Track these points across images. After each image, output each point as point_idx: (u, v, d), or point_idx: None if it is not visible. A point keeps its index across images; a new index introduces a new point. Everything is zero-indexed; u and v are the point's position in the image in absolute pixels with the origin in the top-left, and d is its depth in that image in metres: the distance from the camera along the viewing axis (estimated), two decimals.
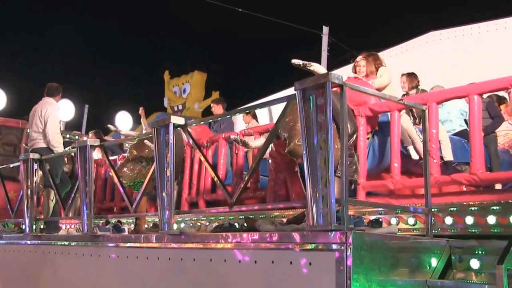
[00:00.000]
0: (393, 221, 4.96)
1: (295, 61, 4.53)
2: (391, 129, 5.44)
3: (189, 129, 5.26)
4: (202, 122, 6.69)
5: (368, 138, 5.68)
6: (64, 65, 32.80)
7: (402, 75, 7.73)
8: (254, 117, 10.04)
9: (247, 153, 7.34)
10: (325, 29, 17.23)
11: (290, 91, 4.05)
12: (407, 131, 5.93)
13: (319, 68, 4.73)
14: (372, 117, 5.67)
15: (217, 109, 9.97)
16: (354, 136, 5.16)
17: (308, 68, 4.60)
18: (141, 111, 10.22)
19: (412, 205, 4.86)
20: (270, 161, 6.32)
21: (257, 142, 5.70)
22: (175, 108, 25.16)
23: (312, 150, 3.80)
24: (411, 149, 5.90)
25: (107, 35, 37.02)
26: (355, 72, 6.35)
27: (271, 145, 5.71)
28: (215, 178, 5.24)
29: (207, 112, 23.78)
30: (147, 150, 6.50)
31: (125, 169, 6.71)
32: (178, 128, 5.23)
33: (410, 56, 12.56)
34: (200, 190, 7.32)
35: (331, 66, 15.03)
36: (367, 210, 5.15)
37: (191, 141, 5.29)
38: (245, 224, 5.29)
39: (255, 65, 34.00)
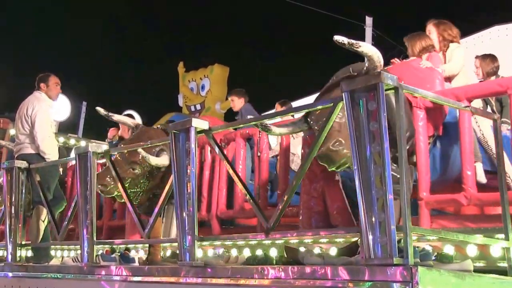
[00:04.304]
0: (447, 249, 4.98)
1: (338, 38, 4.25)
2: (461, 128, 5.32)
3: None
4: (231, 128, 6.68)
5: (428, 143, 5.55)
6: (57, 54, 33.13)
7: (476, 57, 7.61)
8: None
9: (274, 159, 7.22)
10: (369, 20, 17.53)
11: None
12: (481, 132, 5.77)
13: (369, 49, 4.53)
14: (434, 111, 5.56)
15: (238, 103, 9.96)
16: (411, 141, 5.11)
17: (355, 49, 4.41)
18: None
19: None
20: None
21: (282, 128, 5.50)
22: (192, 108, 25.15)
23: (364, 165, 3.86)
24: (478, 166, 5.61)
25: (108, 15, 37.18)
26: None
27: (304, 146, 5.58)
28: (246, 195, 5.23)
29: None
30: (140, 158, 6.44)
31: (108, 177, 6.58)
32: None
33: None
34: (212, 206, 7.18)
35: None
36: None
37: (217, 149, 5.37)
38: (285, 255, 5.27)
39: (288, 59, 33.88)
